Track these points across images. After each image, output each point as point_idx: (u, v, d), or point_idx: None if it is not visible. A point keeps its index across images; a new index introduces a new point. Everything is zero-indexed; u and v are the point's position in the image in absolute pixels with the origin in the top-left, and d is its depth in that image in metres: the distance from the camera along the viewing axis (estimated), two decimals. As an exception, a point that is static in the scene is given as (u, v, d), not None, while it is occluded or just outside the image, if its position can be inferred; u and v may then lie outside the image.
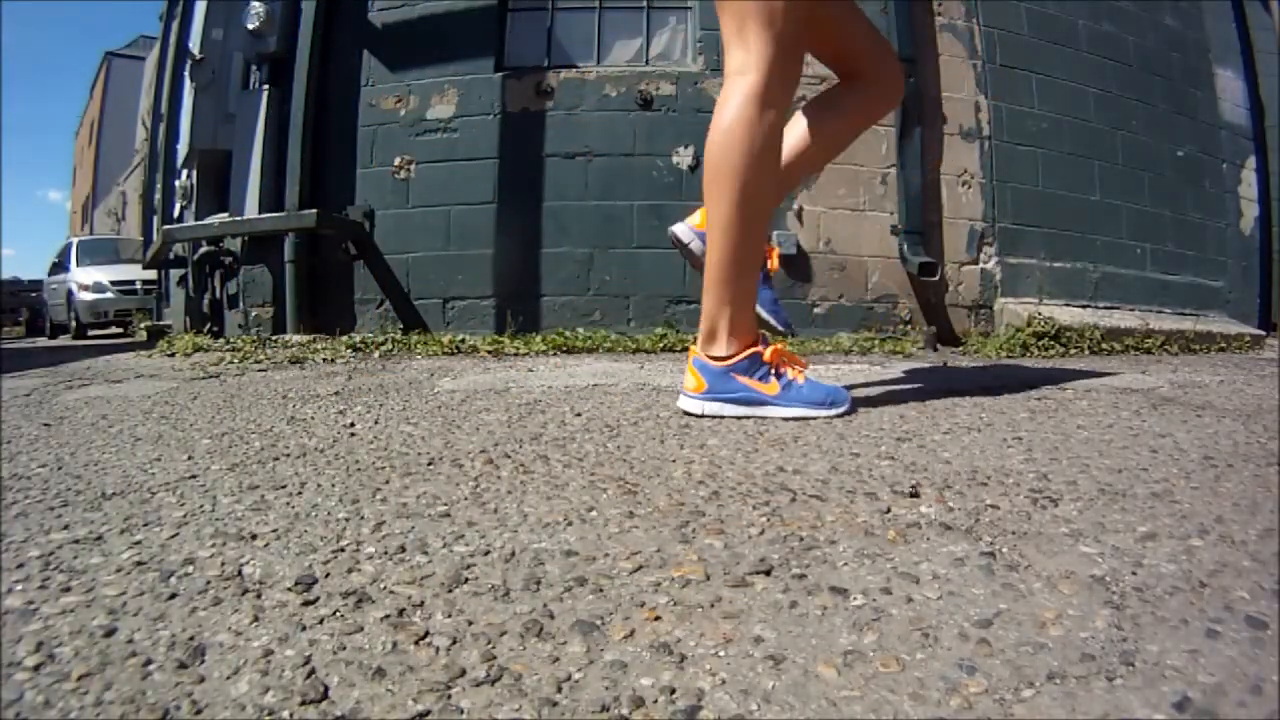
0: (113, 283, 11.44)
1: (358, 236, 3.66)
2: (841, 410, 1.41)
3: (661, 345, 3.08)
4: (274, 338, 3.40)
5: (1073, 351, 3.11)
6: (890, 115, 3.55)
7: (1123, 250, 3.96)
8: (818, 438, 1.22)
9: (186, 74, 5.08)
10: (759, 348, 1.41)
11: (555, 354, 2.98)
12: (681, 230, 1.59)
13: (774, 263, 1.56)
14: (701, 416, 1.42)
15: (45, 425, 1.53)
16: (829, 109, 1.59)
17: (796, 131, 1.56)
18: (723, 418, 1.40)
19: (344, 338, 3.24)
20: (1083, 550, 0.70)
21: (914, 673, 0.50)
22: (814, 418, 1.39)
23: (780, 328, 1.58)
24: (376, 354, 2.95)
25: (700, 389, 1.42)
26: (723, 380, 1.40)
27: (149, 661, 0.52)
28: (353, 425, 1.43)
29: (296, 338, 3.36)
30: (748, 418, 1.39)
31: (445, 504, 0.88)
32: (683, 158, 3.54)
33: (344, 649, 0.54)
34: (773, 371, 1.40)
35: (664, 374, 2.19)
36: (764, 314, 1.54)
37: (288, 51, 3.72)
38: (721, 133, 1.36)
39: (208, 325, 4.16)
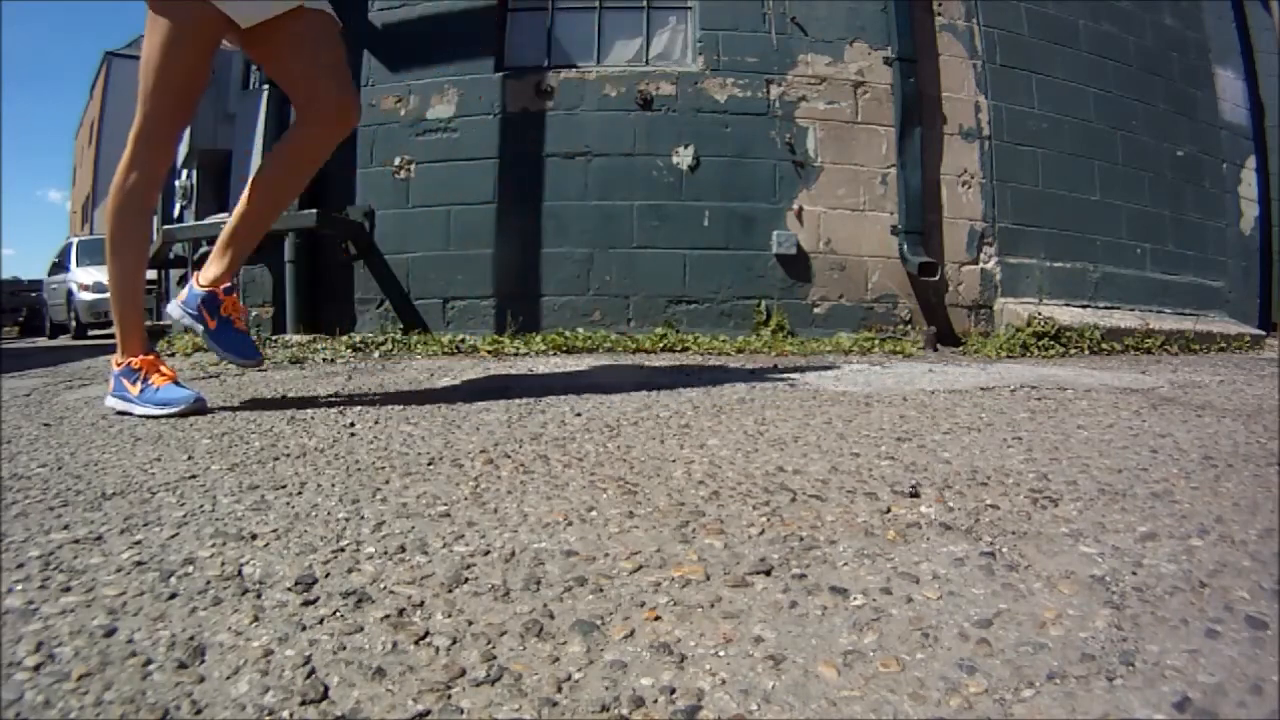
0: (113, 283, 11.41)
1: (358, 236, 3.66)
2: (172, 410, 1.62)
3: (661, 345, 3.08)
4: (274, 337, 3.40)
5: (1073, 351, 3.11)
6: (890, 115, 3.55)
7: (1123, 250, 3.96)
8: (818, 438, 1.22)
9: (186, 74, 5.08)
10: (134, 357, 1.70)
11: (555, 354, 2.98)
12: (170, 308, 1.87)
13: (230, 310, 1.80)
14: (111, 411, 1.69)
15: (45, 425, 1.53)
16: (266, 164, 1.83)
17: (244, 195, 1.79)
18: (117, 411, 1.67)
19: (344, 338, 3.24)
20: (1083, 550, 0.70)
21: (914, 673, 0.50)
22: (153, 415, 1.62)
23: (243, 361, 1.83)
24: (376, 354, 2.95)
25: (110, 388, 1.73)
26: (116, 382, 1.70)
27: (149, 661, 0.52)
28: (353, 425, 1.43)
29: (296, 338, 3.36)
30: (130, 414, 1.64)
31: (445, 504, 0.88)
32: (683, 158, 3.54)
33: (344, 649, 0.54)
34: (139, 377, 1.68)
35: (664, 374, 2.19)
36: (219, 350, 1.80)
37: (288, 51, 3.71)
38: (110, 193, 1.68)
39: (208, 325, 4.16)
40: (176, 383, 1.69)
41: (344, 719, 0.46)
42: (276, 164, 1.79)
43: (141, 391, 1.65)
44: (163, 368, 1.70)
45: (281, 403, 1.76)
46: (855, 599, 0.61)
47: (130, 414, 1.64)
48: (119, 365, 1.70)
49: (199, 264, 4.18)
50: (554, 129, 3.58)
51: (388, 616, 0.59)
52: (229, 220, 1.79)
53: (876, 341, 3.28)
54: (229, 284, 1.79)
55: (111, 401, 1.70)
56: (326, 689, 0.49)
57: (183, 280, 4.98)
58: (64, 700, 0.47)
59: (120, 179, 1.65)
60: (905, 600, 0.60)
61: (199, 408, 1.64)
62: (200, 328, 1.78)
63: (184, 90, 1.64)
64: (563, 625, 0.57)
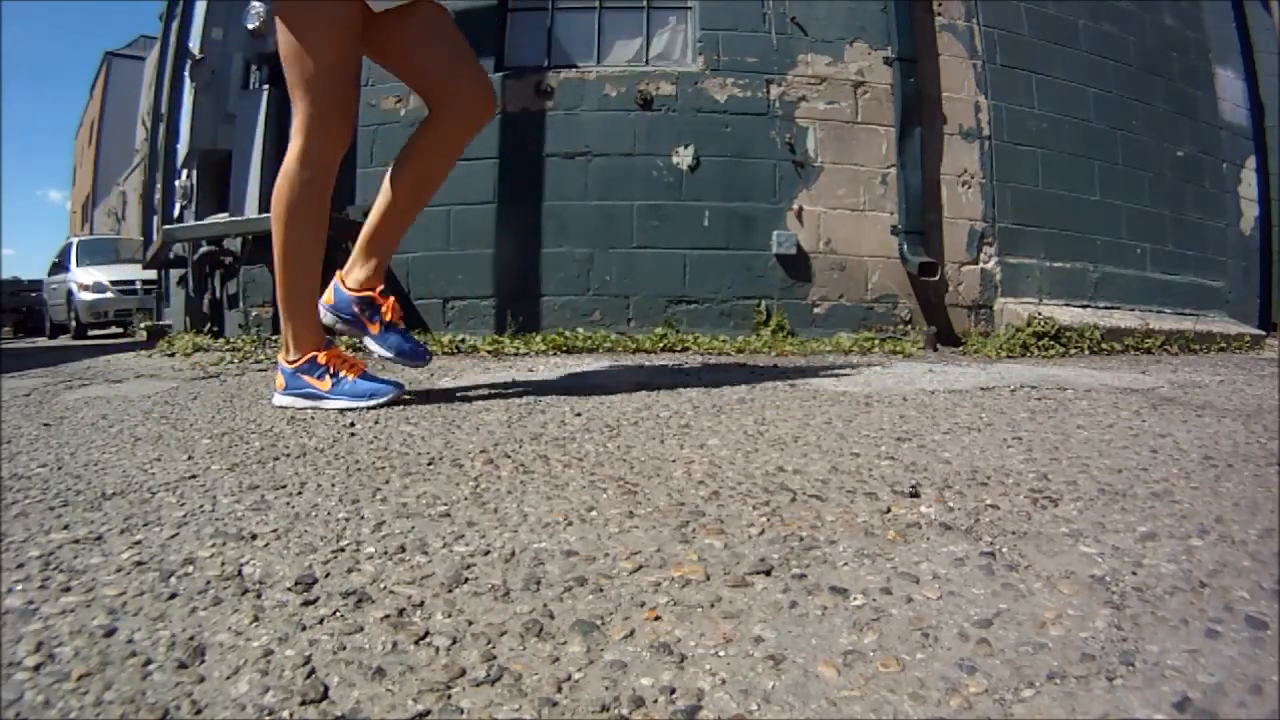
0: (113, 283, 11.43)
1: (358, 236, 3.65)
2: (379, 402, 1.64)
3: (661, 345, 3.08)
4: (274, 338, 3.40)
5: (1073, 351, 3.11)
6: (890, 115, 3.55)
7: (1123, 250, 3.96)
8: (818, 438, 1.22)
9: (186, 74, 5.08)
10: (316, 352, 1.67)
11: (555, 354, 2.98)
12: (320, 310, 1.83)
13: (390, 313, 1.79)
14: (284, 409, 1.65)
15: (45, 425, 1.53)
16: (405, 158, 1.80)
17: (381, 192, 1.80)
18: (295, 409, 1.64)
19: (344, 338, 3.24)
20: (1083, 550, 0.70)
21: (914, 673, 0.50)
22: (354, 408, 1.62)
23: (413, 362, 1.80)
24: (376, 354, 2.95)
25: (281, 386, 1.69)
26: (293, 379, 1.67)
27: (149, 661, 0.52)
28: (353, 425, 1.43)
29: (296, 338, 3.35)
30: (317, 410, 1.62)
31: (445, 504, 0.88)
32: (683, 158, 3.54)
33: (344, 649, 0.54)
34: (328, 371, 1.66)
35: (664, 374, 2.19)
36: (388, 353, 1.77)
37: (288, 51, 3.71)
38: (278, 184, 1.64)
39: (208, 325, 4.16)
40: (366, 373, 1.68)
41: (344, 719, 0.46)
42: (417, 159, 1.77)
43: (335, 385, 1.64)
44: (350, 359, 1.69)
45: (449, 394, 1.76)
46: (855, 599, 0.61)
47: (321, 409, 1.62)
48: (294, 362, 1.67)
49: (199, 264, 4.19)
50: (554, 129, 3.58)
51: (388, 616, 0.59)
52: (369, 220, 1.79)
53: (876, 341, 3.28)
54: (381, 285, 1.78)
55: (284, 399, 1.67)
56: (326, 689, 0.49)
57: (182, 280, 4.98)
58: (64, 700, 0.47)
59: (294, 174, 1.60)
60: (905, 600, 0.60)
61: (400, 395, 1.66)
62: (360, 332, 1.77)
63: (347, 74, 1.60)
64: (563, 625, 0.57)
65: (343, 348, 1.84)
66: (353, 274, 1.79)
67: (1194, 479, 0.94)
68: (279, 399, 1.70)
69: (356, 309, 1.76)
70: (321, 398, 1.64)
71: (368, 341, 1.78)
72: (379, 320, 1.77)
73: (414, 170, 1.76)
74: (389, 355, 1.76)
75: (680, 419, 1.42)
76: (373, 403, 1.63)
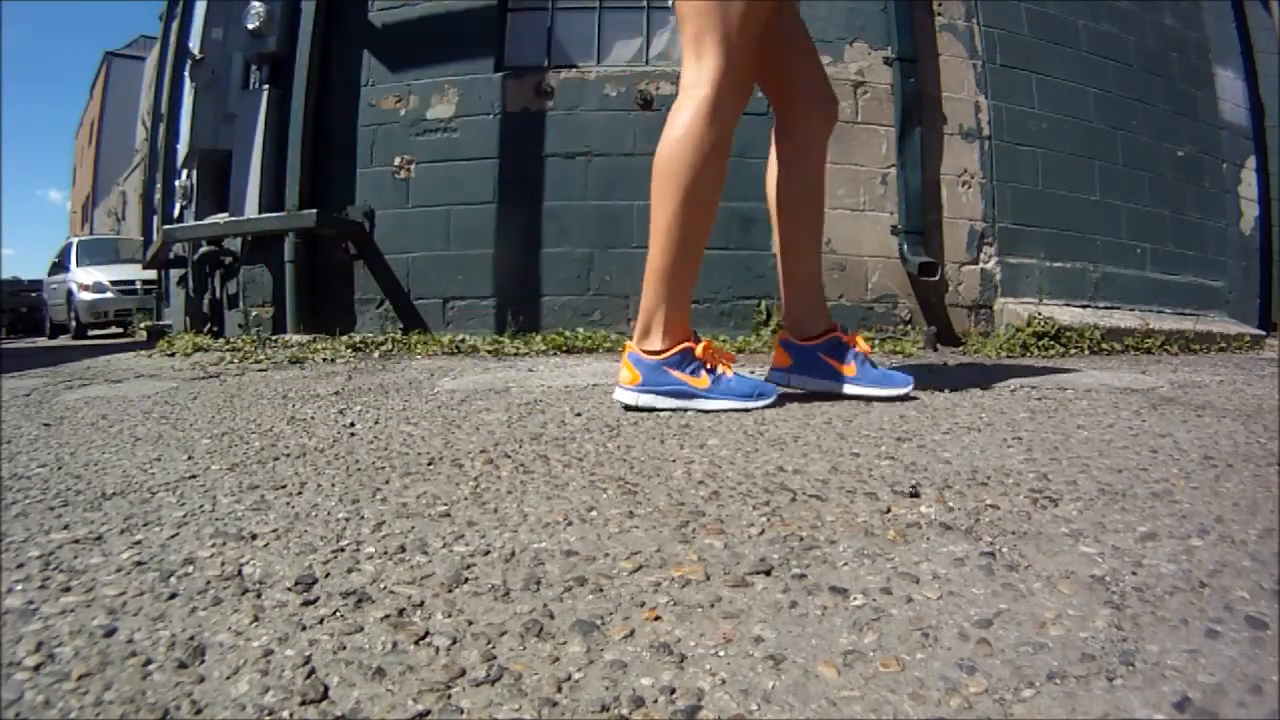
0: (113, 283, 11.44)
1: (358, 236, 3.66)
2: (768, 402, 1.50)
3: (661, 345, 3.07)
4: (274, 338, 3.40)
5: (1073, 351, 3.11)
6: (890, 115, 3.55)
7: (1123, 250, 3.96)
8: (818, 438, 1.22)
9: (186, 74, 5.08)
10: (690, 343, 1.49)
11: (555, 354, 2.98)
12: (775, 377, 1.68)
13: (862, 345, 1.65)
14: (636, 409, 1.48)
15: (45, 425, 1.53)
16: (790, 195, 1.71)
17: (782, 230, 1.70)
18: (656, 410, 1.47)
19: (344, 338, 3.24)
20: (1083, 550, 0.70)
21: (914, 673, 0.50)
22: (741, 409, 1.46)
23: (897, 391, 1.61)
24: (376, 354, 2.95)
25: (635, 381, 1.48)
26: (656, 373, 1.47)
27: (149, 661, 0.52)
28: (353, 425, 1.43)
29: (296, 338, 3.36)
30: (686, 410, 1.47)
31: (445, 504, 0.88)
32: (683, 158, 3.53)
33: (344, 649, 0.54)
34: (704, 367, 1.48)
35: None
36: (872, 391, 1.60)
37: (288, 51, 3.71)
38: (672, 143, 1.45)
39: (208, 325, 4.16)
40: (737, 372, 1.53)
41: (344, 719, 0.46)
42: (805, 188, 1.65)
43: (715, 383, 1.47)
44: (724, 352, 1.53)
45: (281, 402, 1.76)
46: (855, 599, 0.61)
47: (693, 409, 1.47)
48: (659, 353, 1.47)
49: (199, 264, 4.18)
50: (554, 129, 3.58)
51: (388, 616, 0.59)
52: (785, 265, 1.66)
53: (876, 342, 3.28)
54: (834, 322, 1.65)
55: (641, 398, 1.48)
56: (326, 689, 0.49)
57: (182, 280, 4.98)
58: (64, 700, 0.47)
59: (700, 131, 1.42)
60: (905, 600, 0.60)
61: (780, 399, 1.52)
62: (833, 380, 1.61)
63: (760, 33, 1.45)
64: (563, 625, 0.57)
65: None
66: (804, 326, 1.64)
67: (1194, 479, 0.94)
68: (631, 396, 1.48)
69: (824, 355, 1.60)
70: (695, 396, 1.46)
71: (847, 388, 1.60)
72: (854, 358, 1.60)
73: (803, 204, 1.65)
74: (874, 393, 1.59)
75: (680, 419, 1.42)
76: (760, 404, 1.48)
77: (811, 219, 1.69)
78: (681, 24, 1.45)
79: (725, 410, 1.46)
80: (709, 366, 1.49)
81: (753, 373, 1.90)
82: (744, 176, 3.53)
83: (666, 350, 1.48)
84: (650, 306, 1.50)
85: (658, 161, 1.46)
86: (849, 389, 1.62)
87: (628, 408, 1.50)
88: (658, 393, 1.48)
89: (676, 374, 1.47)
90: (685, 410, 1.48)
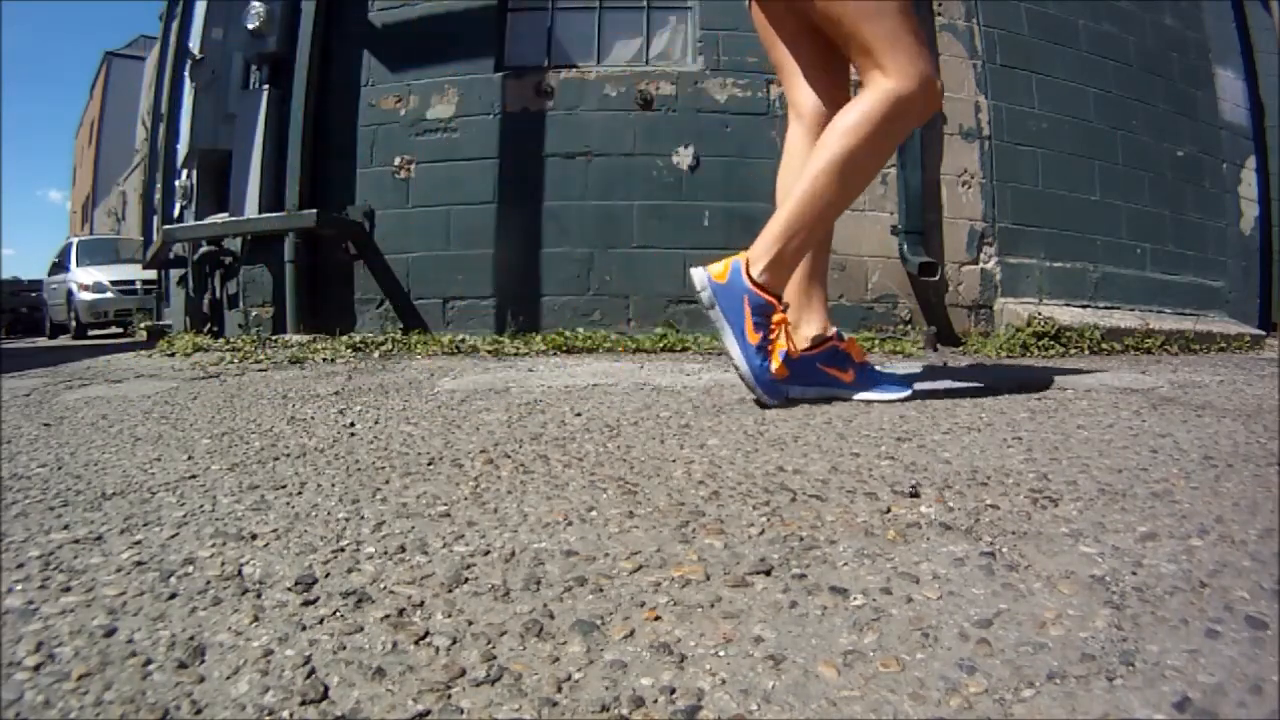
0: (113, 283, 11.44)
1: (358, 236, 3.66)
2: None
3: (661, 345, 3.08)
4: (274, 338, 3.40)
5: (1073, 351, 3.11)
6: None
7: (1123, 250, 3.96)
8: (818, 438, 1.22)
9: (186, 74, 5.08)
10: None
11: (555, 354, 2.98)
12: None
13: (858, 350, 1.65)
14: (711, 307, 1.50)
15: (45, 425, 1.53)
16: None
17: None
18: (725, 323, 1.48)
19: (344, 338, 3.24)
20: (1083, 550, 0.70)
21: (914, 673, 0.50)
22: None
23: (897, 395, 1.61)
24: (376, 354, 2.95)
25: (783, 376, 1.50)
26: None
27: (149, 661, 0.52)
28: (353, 425, 1.43)
29: (296, 338, 3.36)
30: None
31: (445, 504, 0.88)
32: (683, 158, 3.54)
33: (344, 649, 0.54)
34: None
35: (664, 374, 2.19)
36: (873, 396, 1.60)
37: (288, 51, 3.71)
38: (857, 122, 1.48)
39: (208, 325, 4.16)
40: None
41: (344, 719, 0.46)
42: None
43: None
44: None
45: (281, 402, 1.76)
46: (855, 599, 0.61)
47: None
48: (811, 349, 1.51)
49: (199, 264, 4.18)
50: (554, 129, 3.58)
51: (388, 616, 0.59)
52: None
53: (876, 342, 3.27)
54: (833, 329, 1.64)
55: (792, 391, 1.51)
56: (326, 689, 0.49)
57: (182, 280, 4.98)
58: (64, 700, 0.47)
59: (890, 94, 1.43)
60: (905, 600, 0.60)
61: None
62: (834, 388, 1.59)
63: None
64: (563, 625, 0.57)
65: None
66: (803, 338, 1.61)
67: (1194, 479, 0.94)
68: (707, 296, 1.49)
69: (821, 365, 1.59)
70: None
71: (855, 397, 1.59)
72: (851, 366, 1.59)
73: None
74: (876, 397, 1.58)
75: (680, 419, 1.42)
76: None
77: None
78: (851, 39, 1.48)
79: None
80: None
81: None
82: (744, 178, 3.54)
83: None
84: (774, 237, 1.51)
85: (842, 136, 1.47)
86: (854, 397, 1.61)
87: (699, 291, 1.51)
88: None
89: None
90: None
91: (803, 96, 1.66)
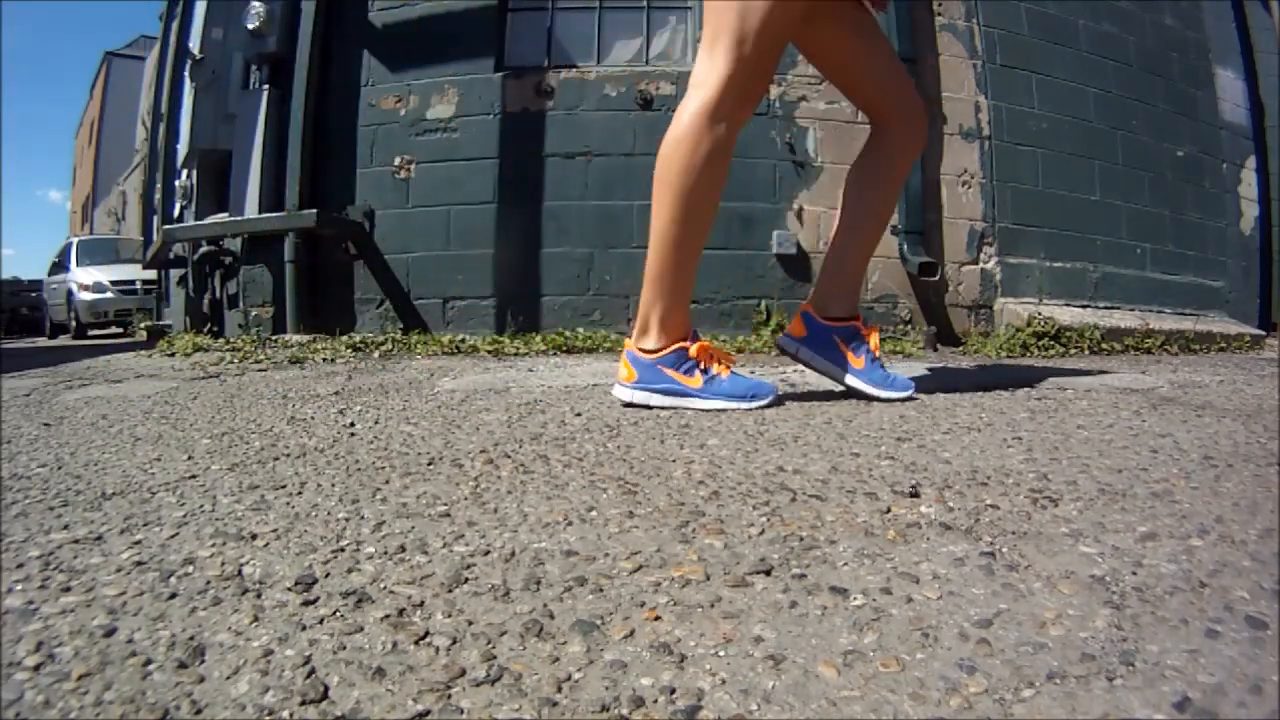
0: (113, 283, 11.44)
1: (358, 236, 3.66)
2: (763, 403, 1.51)
3: (661, 345, 3.07)
4: (274, 338, 3.40)
5: (1073, 351, 3.11)
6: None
7: (1123, 250, 3.96)
8: (818, 438, 1.22)
9: (186, 74, 5.08)
10: (685, 343, 1.52)
11: (555, 354, 2.98)
12: (785, 343, 1.70)
13: (875, 343, 1.66)
14: (631, 405, 1.53)
15: (45, 425, 1.53)
16: (860, 186, 1.66)
17: (843, 219, 1.66)
18: (650, 407, 1.51)
19: (344, 338, 3.24)
20: (1083, 550, 0.70)
21: (914, 673, 0.50)
22: (733, 409, 1.48)
23: (898, 395, 1.62)
24: (376, 354, 2.95)
25: (631, 379, 1.53)
26: (651, 371, 1.51)
27: (149, 661, 0.52)
28: (353, 425, 1.43)
29: (296, 338, 3.36)
30: (680, 409, 1.50)
31: (445, 504, 0.88)
32: (683, 158, 3.53)
33: (344, 649, 0.54)
34: (698, 366, 1.51)
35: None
36: (873, 389, 1.61)
37: (288, 51, 3.71)
38: (670, 143, 1.46)
39: (208, 325, 4.16)
40: (734, 371, 1.54)
41: (344, 719, 0.46)
42: (873, 188, 1.62)
43: (708, 383, 1.49)
44: (719, 352, 1.54)
45: (281, 402, 1.76)
46: (855, 599, 0.61)
47: (688, 409, 1.49)
48: (654, 351, 1.51)
49: (199, 264, 4.18)
50: (554, 129, 3.58)
51: (388, 616, 0.59)
52: (836, 248, 1.66)
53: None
54: (860, 315, 1.66)
55: (635, 395, 1.52)
56: (326, 689, 0.49)
57: (182, 280, 4.98)
58: (64, 700, 0.47)
59: (700, 128, 1.42)
60: (905, 600, 0.60)
61: (778, 399, 1.53)
62: (837, 366, 1.63)
63: (782, 44, 1.47)
64: (563, 625, 0.57)
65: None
66: (829, 306, 1.64)
67: (1194, 479, 0.94)
68: (627, 394, 1.53)
69: (838, 339, 1.61)
70: (688, 395, 1.49)
71: (850, 379, 1.62)
72: (865, 353, 1.61)
73: (871, 200, 1.63)
74: (874, 392, 1.60)
75: (680, 419, 1.42)
76: (754, 405, 1.49)
77: (878, 217, 1.68)
78: (704, 21, 1.47)
79: (717, 409, 1.48)
80: (703, 366, 1.51)
81: (752, 373, 1.90)
82: (744, 178, 3.53)
83: (661, 349, 1.51)
84: (648, 305, 1.53)
85: (659, 160, 1.48)
86: (850, 380, 1.62)
87: (625, 404, 1.54)
88: (652, 390, 1.51)
89: (670, 373, 1.51)
90: (679, 409, 1.50)
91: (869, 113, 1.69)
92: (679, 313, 1.53)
